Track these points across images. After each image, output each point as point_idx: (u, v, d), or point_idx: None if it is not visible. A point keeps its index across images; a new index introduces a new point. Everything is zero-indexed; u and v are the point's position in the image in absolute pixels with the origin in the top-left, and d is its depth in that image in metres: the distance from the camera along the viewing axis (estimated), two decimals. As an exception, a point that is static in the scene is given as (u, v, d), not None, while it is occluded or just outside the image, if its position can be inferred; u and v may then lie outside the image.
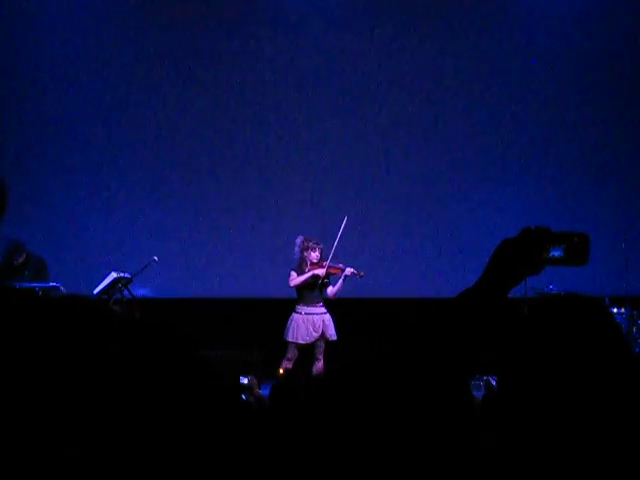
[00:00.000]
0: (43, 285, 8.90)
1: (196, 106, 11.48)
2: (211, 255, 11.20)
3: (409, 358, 1.67)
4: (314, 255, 8.65)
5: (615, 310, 9.02)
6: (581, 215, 10.65)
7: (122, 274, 9.14)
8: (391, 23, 11.48)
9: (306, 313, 8.70)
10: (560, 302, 1.91)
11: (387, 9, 11.52)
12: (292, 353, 8.71)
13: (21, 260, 9.19)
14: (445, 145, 11.52)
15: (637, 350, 8.86)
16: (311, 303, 8.73)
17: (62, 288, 8.91)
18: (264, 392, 7.40)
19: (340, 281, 8.69)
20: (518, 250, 1.85)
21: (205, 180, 11.37)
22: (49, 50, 11.36)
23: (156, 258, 9.45)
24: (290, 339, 8.67)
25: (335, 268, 8.66)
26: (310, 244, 8.69)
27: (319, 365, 8.65)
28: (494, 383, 6.15)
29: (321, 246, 8.72)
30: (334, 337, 8.74)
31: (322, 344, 8.71)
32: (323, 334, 8.68)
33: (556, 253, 1.87)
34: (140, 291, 9.83)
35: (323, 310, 8.74)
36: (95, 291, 9.03)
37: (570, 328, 1.81)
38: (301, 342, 8.67)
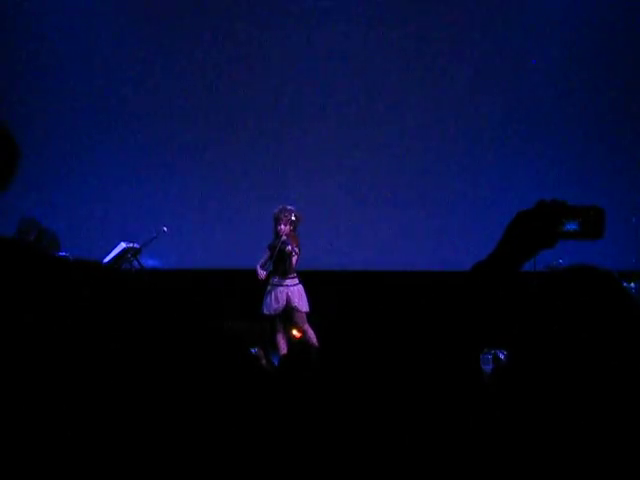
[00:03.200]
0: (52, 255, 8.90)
1: (206, 79, 11.46)
2: (220, 226, 11.21)
3: (419, 333, 1.66)
4: (281, 228, 8.65)
5: (625, 285, 8.99)
6: (591, 189, 10.61)
7: (131, 244, 9.14)
8: (392, 18, 11.45)
9: (272, 284, 8.80)
10: (571, 274, 1.89)
11: (390, 7, 11.47)
12: (273, 325, 8.83)
13: (33, 237, 9.20)
14: (453, 117, 11.47)
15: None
16: (275, 275, 8.79)
17: (71, 258, 8.91)
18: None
19: (274, 251, 8.69)
20: (533, 223, 1.83)
21: (214, 150, 11.36)
22: (71, 29, 11.34)
23: (165, 229, 9.46)
24: (263, 311, 8.81)
25: (279, 243, 8.67)
26: (277, 215, 8.70)
27: (308, 335, 8.71)
28: (502, 357, 6.15)
29: (290, 218, 8.67)
30: (303, 308, 8.78)
31: (298, 314, 8.75)
32: (290, 305, 8.72)
33: (571, 227, 1.85)
34: (149, 262, 9.84)
35: (289, 282, 8.77)
36: (104, 261, 9.03)
37: (582, 300, 1.80)
38: (267, 313, 8.79)
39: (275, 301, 8.76)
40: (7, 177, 1.69)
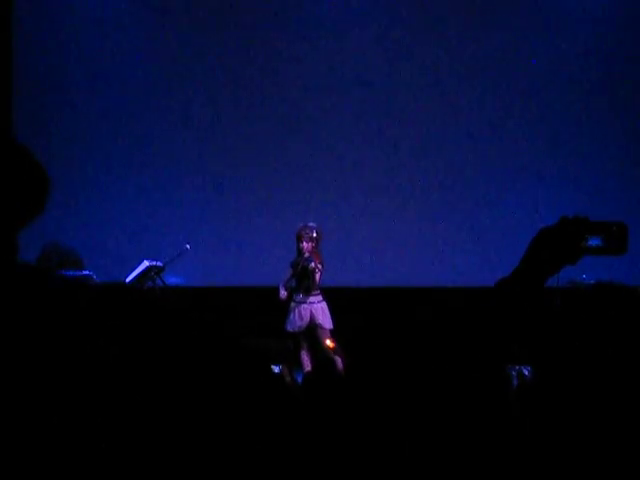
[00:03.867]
0: (76, 274, 8.94)
1: (229, 97, 11.52)
2: (243, 243, 11.24)
3: (444, 350, 1.66)
4: (304, 245, 8.67)
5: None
6: (612, 203, 10.56)
7: (154, 262, 9.17)
8: (402, 18, 11.48)
9: (296, 302, 8.81)
10: (596, 291, 1.90)
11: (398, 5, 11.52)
12: (297, 342, 8.84)
13: (56, 260, 9.22)
14: (473, 133, 11.46)
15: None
16: (299, 292, 8.80)
17: (95, 276, 8.95)
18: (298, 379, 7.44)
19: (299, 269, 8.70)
20: (556, 239, 1.83)
21: (239, 167, 11.40)
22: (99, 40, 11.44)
23: (188, 246, 9.49)
24: (285, 328, 8.83)
25: (303, 260, 8.68)
26: (299, 233, 8.73)
27: (332, 353, 8.73)
28: (526, 373, 6.11)
29: (311, 235, 8.68)
30: (327, 325, 8.78)
31: (322, 332, 8.76)
32: (314, 322, 8.73)
33: (594, 242, 1.86)
34: (172, 279, 9.87)
35: (313, 299, 8.77)
36: (127, 279, 9.06)
37: (606, 317, 1.80)
38: (290, 330, 8.80)
39: (299, 318, 8.78)
40: (42, 202, 1.75)
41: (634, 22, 11.34)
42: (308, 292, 8.78)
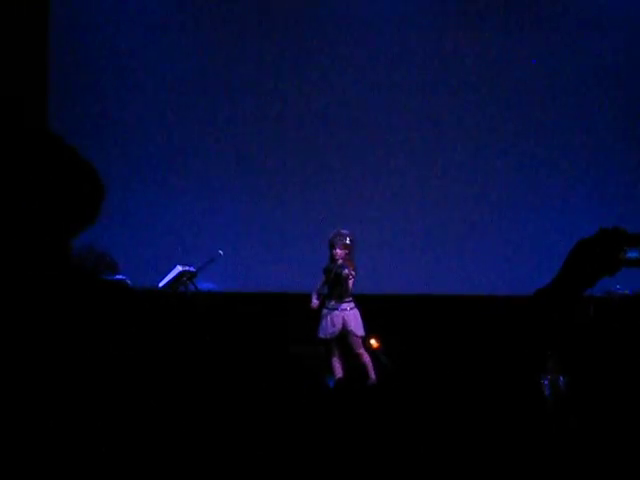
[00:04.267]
0: (109, 278, 9.01)
1: (254, 101, 11.57)
2: (275, 249, 11.26)
3: (480, 359, 1.68)
4: (336, 252, 8.67)
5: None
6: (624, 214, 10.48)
7: (187, 267, 9.21)
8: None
9: (328, 309, 8.81)
10: (632, 303, 1.90)
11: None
12: (329, 348, 8.85)
13: (91, 263, 9.30)
14: (508, 143, 11.44)
15: None
16: (331, 299, 8.79)
17: (128, 281, 9.01)
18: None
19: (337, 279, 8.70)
20: (595, 251, 1.84)
21: (270, 172, 11.43)
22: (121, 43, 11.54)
23: (221, 252, 9.53)
24: (317, 334, 8.84)
25: (336, 268, 8.67)
26: (332, 240, 8.73)
27: (363, 360, 8.74)
28: (561, 383, 6.09)
29: (345, 242, 8.68)
30: (358, 332, 8.78)
31: (354, 339, 8.76)
32: (346, 329, 8.73)
33: (633, 254, 1.86)
34: (205, 285, 9.92)
35: (345, 306, 8.77)
36: (160, 284, 9.12)
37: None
38: (322, 337, 8.81)
39: (331, 325, 8.78)
40: (96, 210, 1.76)
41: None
42: (340, 299, 8.78)
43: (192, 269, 9.28)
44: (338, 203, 11.28)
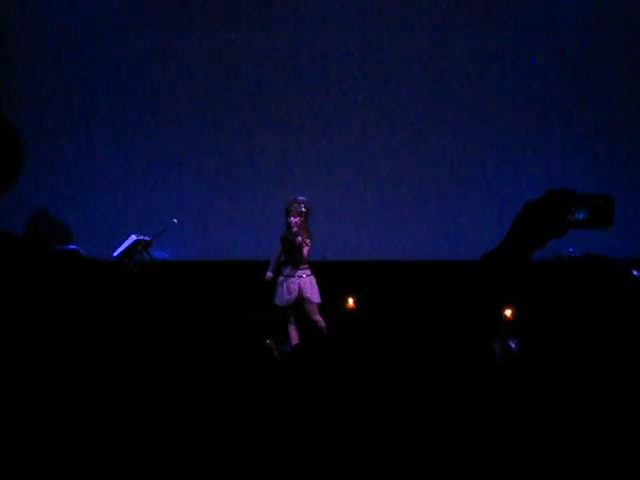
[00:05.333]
0: (63, 248, 8.92)
1: (214, 71, 11.47)
2: (230, 217, 11.23)
3: (431, 323, 1.67)
4: (292, 220, 8.65)
5: (635, 272, 8.96)
6: (601, 177, 10.58)
7: (142, 237, 9.15)
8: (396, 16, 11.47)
9: (284, 276, 8.80)
10: (582, 263, 1.90)
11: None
12: (285, 315, 8.85)
13: (45, 229, 9.20)
14: (460, 108, 11.47)
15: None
16: (287, 266, 8.80)
17: (81, 251, 8.93)
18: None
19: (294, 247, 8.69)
20: (542, 212, 1.83)
21: (224, 141, 11.38)
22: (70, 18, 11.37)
23: (175, 220, 9.48)
24: (274, 301, 8.83)
25: (291, 235, 8.67)
26: (289, 207, 8.70)
27: (319, 326, 8.74)
28: (513, 346, 6.15)
29: (300, 209, 8.65)
30: (315, 299, 8.79)
31: (310, 305, 8.77)
32: (302, 296, 8.73)
33: (580, 215, 1.85)
34: (160, 254, 9.86)
35: (301, 273, 8.77)
36: (115, 254, 9.05)
37: (592, 289, 1.81)
38: (279, 304, 8.80)
39: (287, 292, 8.77)
40: (15, 172, 1.69)
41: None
42: (296, 266, 8.77)
43: (147, 238, 9.21)
44: (294, 170, 11.26)
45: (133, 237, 9.10)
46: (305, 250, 8.69)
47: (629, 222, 9.63)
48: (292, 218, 8.65)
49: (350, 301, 8.91)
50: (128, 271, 8.70)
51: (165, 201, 11.03)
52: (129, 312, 1.46)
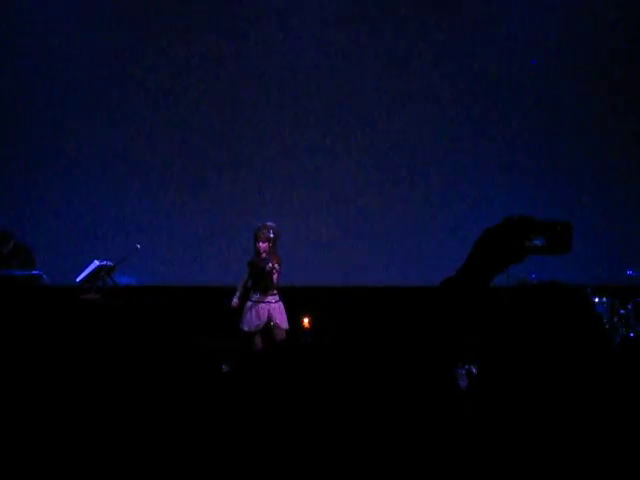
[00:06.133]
0: (26, 273, 8.86)
1: (180, 93, 11.47)
2: (197, 242, 11.20)
3: (393, 349, 1.67)
4: (260, 245, 8.60)
5: (597, 299, 9.05)
6: (563, 205, 10.70)
7: (105, 262, 9.10)
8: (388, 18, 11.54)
9: (252, 301, 8.73)
10: (541, 290, 1.91)
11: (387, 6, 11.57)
12: (251, 341, 8.75)
13: (7, 249, 9.14)
14: (433, 138, 11.56)
15: (618, 340, 8.90)
16: (256, 292, 8.73)
17: (45, 276, 8.87)
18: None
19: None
20: (500, 239, 1.84)
21: (189, 168, 11.37)
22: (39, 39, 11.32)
23: (139, 246, 9.43)
24: (241, 327, 8.73)
25: (260, 262, 8.62)
26: (257, 233, 8.64)
27: None
28: (474, 371, 6.17)
29: (269, 235, 8.61)
30: (283, 325, 8.74)
31: (278, 332, 8.72)
32: (270, 322, 8.68)
33: (538, 242, 1.86)
34: (124, 279, 9.80)
35: (270, 299, 8.72)
36: (78, 279, 8.99)
37: (551, 316, 1.82)
38: (247, 329, 8.71)
39: (256, 317, 8.69)
40: None
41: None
42: (265, 292, 8.72)
43: (110, 263, 9.16)
44: (262, 194, 11.27)
45: (96, 262, 9.06)
46: (275, 276, 8.65)
47: (588, 249, 9.72)
48: (261, 244, 8.60)
49: (305, 321, 8.86)
50: (90, 297, 8.64)
51: (128, 226, 10.98)
52: (88, 338, 1.46)
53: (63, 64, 11.34)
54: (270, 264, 8.50)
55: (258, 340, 8.80)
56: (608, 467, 1.71)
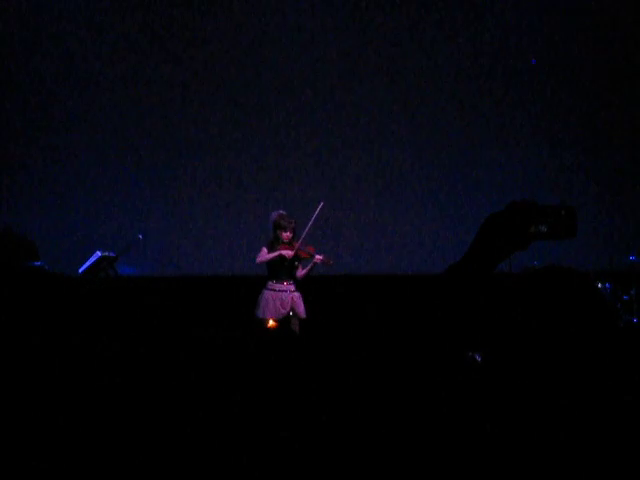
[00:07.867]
0: (28, 264, 8.85)
1: (180, 86, 11.44)
2: (196, 233, 11.18)
3: (402, 335, 1.66)
4: (285, 235, 8.53)
5: (599, 285, 9.04)
6: (567, 190, 10.68)
7: (107, 253, 9.09)
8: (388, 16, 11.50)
9: (275, 290, 8.61)
10: (545, 275, 1.91)
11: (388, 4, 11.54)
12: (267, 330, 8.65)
13: (10, 244, 9.12)
14: (432, 124, 11.53)
15: (621, 325, 8.87)
16: (280, 281, 8.63)
17: (47, 267, 8.86)
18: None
19: (309, 266, 8.56)
20: (504, 225, 1.83)
21: (191, 158, 11.34)
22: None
23: (141, 236, 9.43)
24: (260, 316, 8.59)
25: (304, 252, 8.52)
26: (283, 223, 8.54)
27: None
28: (479, 359, 6.17)
29: (293, 225, 8.56)
30: (303, 315, 8.67)
31: (296, 321, 8.65)
32: (293, 311, 8.60)
33: (542, 227, 1.85)
34: (125, 270, 9.79)
35: (292, 288, 8.65)
36: (80, 270, 8.98)
37: (556, 300, 1.82)
38: (269, 317, 8.59)
39: (281, 306, 8.60)
40: None
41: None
42: (289, 280, 8.64)
43: (112, 254, 9.15)
44: (257, 184, 11.26)
45: (98, 253, 9.04)
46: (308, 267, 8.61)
47: (591, 235, 9.71)
48: (287, 233, 8.55)
49: (271, 322, 8.73)
50: (93, 287, 8.64)
51: (130, 217, 10.97)
52: (92, 327, 1.46)
53: (63, 59, 11.31)
54: (321, 255, 8.45)
55: (295, 324, 8.64)
56: (614, 450, 1.70)
